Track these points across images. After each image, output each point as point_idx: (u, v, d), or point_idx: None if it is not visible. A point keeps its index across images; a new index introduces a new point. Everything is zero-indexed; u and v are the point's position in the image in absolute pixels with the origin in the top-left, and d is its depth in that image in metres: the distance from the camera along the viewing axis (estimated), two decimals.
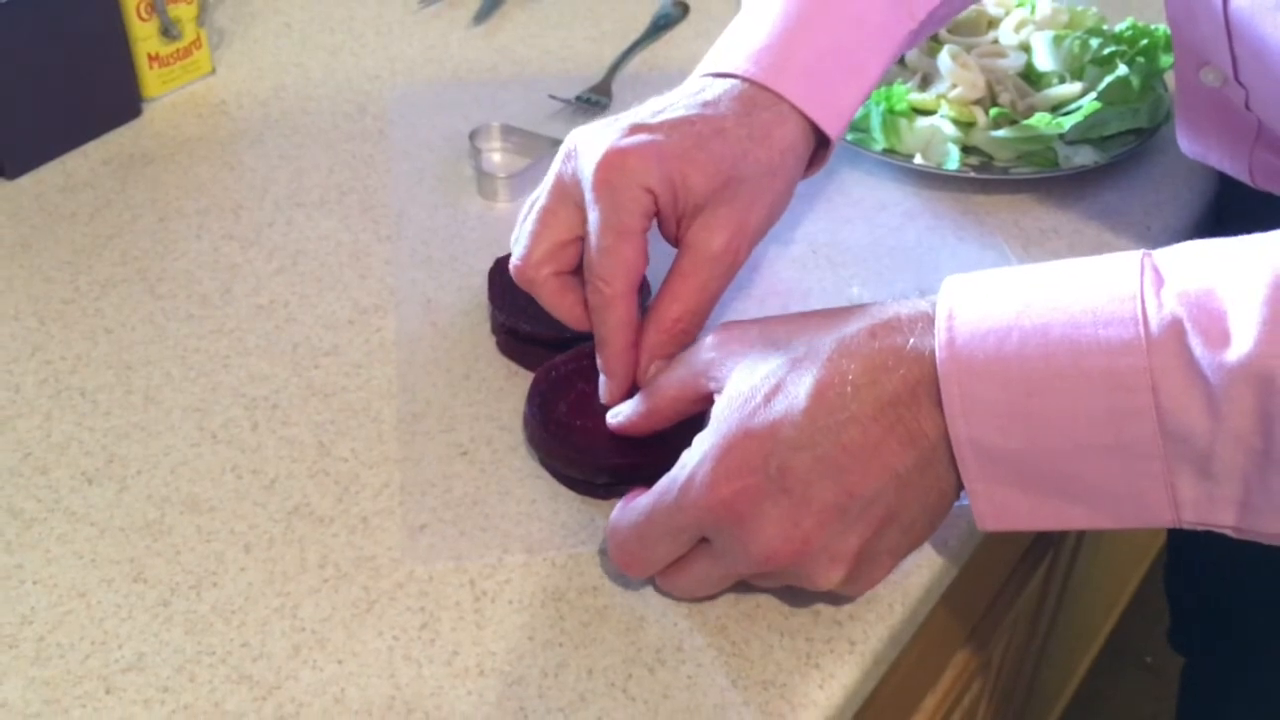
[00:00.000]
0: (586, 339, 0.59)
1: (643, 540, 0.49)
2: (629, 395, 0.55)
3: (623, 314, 0.55)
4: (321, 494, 0.55)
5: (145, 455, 0.57)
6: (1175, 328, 0.42)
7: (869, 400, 0.46)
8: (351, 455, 0.57)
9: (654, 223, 0.56)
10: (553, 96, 0.80)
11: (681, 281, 0.55)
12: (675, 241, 0.57)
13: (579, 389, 0.56)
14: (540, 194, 0.57)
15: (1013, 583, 0.85)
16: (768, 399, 0.47)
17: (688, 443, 0.53)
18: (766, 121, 0.57)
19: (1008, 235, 0.71)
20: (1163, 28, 0.78)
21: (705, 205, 0.55)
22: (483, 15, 0.90)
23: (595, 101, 0.80)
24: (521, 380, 0.60)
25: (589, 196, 0.54)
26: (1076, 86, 0.75)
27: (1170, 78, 0.78)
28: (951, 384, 0.45)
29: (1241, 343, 0.41)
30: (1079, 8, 0.83)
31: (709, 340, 0.52)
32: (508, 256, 0.64)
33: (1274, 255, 0.42)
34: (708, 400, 0.51)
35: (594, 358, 0.57)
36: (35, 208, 0.72)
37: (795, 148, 0.58)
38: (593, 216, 0.54)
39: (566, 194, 0.56)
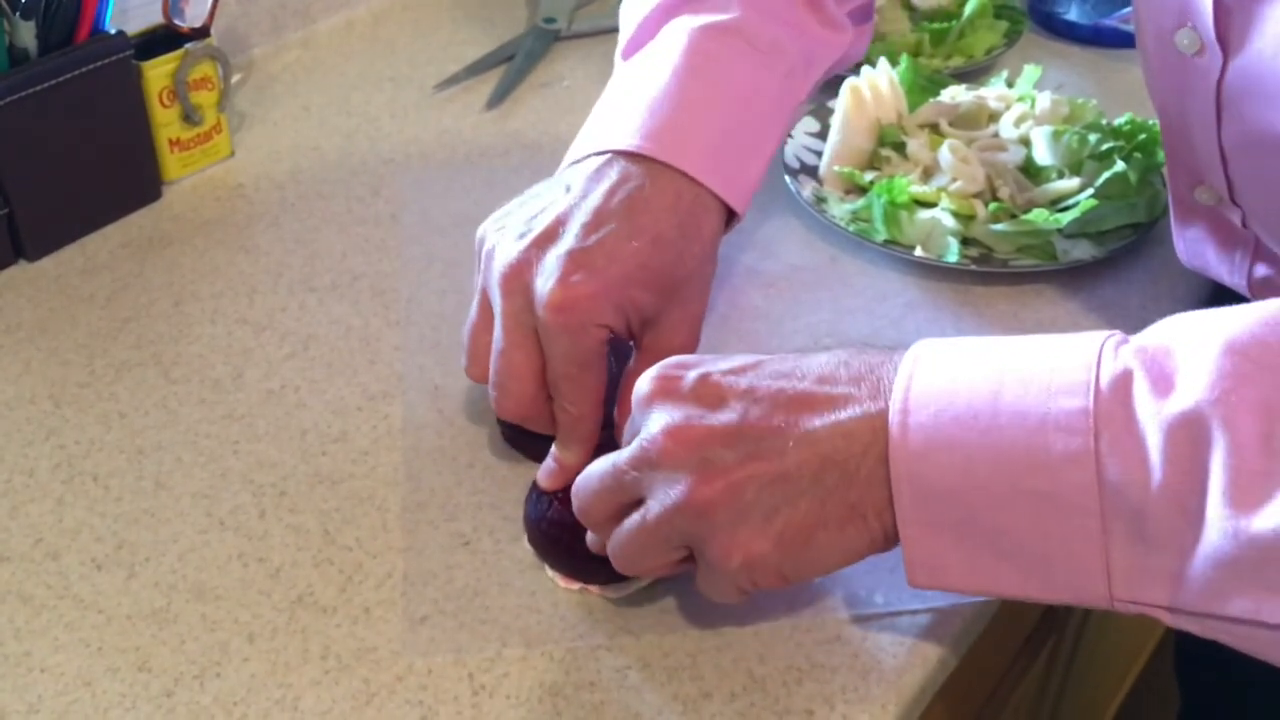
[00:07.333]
0: None
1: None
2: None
3: (589, 430, 0.58)
4: (325, 583, 0.56)
5: (154, 542, 0.58)
6: (1125, 377, 0.43)
7: (814, 375, 0.47)
8: (356, 544, 0.58)
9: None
10: None
11: None
12: (633, 341, 0.60)
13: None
14: (497, 331, 0.58)
15: (1013, 672, 0.85)
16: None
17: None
18: (693, 212, 0.60)
19: (1007, 327, 0.72)
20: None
21: (658, 314, 0.59)
22: (495, 100, 0.93)
23: None
24: (525, 470, 0.61)
25: (546, 334, 0.56)
26: (1074, 182, 0.76)
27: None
28: (896, 412, 0.45)
29: (1185, 393, 0.41)
30: (1079, 99, 0.84)
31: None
32: None
33: (1235, 320, 0.42)
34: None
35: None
36: (54, 290, 0.73)
37: (718, 231, 0.62)
38: (552, 350, 0.56)
39: (520, 321, 0.57)
